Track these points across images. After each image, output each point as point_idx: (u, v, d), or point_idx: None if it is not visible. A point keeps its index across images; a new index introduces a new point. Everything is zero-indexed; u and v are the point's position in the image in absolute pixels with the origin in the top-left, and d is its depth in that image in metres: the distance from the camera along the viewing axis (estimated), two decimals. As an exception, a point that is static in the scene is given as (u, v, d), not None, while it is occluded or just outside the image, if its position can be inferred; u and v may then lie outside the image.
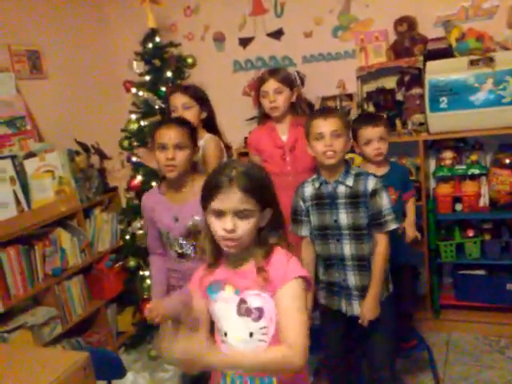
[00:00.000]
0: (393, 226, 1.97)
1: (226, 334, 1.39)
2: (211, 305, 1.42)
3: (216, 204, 1.30)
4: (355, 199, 1.95)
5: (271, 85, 2.43)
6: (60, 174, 2.90)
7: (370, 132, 2.31)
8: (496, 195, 2.77)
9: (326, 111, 2.06)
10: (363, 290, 2.01)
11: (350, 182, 1.96)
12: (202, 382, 1.67)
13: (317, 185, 2.03)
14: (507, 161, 2.76)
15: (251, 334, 1.34)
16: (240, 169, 1.32)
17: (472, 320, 2.99)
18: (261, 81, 2.49)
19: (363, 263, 2.00)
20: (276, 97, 2.43)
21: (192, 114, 2.40)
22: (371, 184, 1.95)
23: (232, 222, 1.29)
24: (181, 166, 1.99)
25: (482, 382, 2.54)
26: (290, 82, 2.50)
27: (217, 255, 1.42)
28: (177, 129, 1.99)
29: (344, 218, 1.97)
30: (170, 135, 1.97)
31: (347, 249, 1.99)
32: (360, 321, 1.99)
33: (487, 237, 2.90)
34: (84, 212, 3.12)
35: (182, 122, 2.06)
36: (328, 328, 2.20)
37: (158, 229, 2.10)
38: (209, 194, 1.33)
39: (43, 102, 3.14)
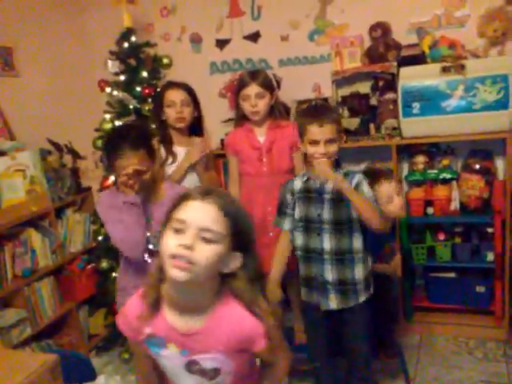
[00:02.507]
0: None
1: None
2: (154, 356, 1.23)
3: (178, 213, 1.09)
4: (341, 195, 1.99)
5: (253, 89, 2.45)
6: (31, 173, 2.84)
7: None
8: (466, 199, 2.82)
9: (321, 116, 1.98)
10: (339, 285, 2.06)
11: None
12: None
13: (305, 179, 2.10)
14: (477, 166, 2.82)
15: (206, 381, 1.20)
16: (218, 190, 1.16)
17: (443, 322, 3.04)
18: (241, 84, 2.49)
19: (341, 257, 2.05)
20: (257, 101, 2.45)
21: (189, 111, 2.51)
22: (355, 179, 2.02)
23: (192, 238, 1.06)
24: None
25: (452, 383, 2.59)
26: (270, 86, 2.52)
27: (158, 303, 1.18)
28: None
29: (327, 212, 2.04)
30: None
31: (327, 242, 2.05)
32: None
33: (458, 240, 2.96)
34: (56, 212, 3.07)
35: (136, 146, 1.96)
36: (311, 324, 2.24)
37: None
38: (176, 204, 1.13)
39: (15, 99, 3.08)
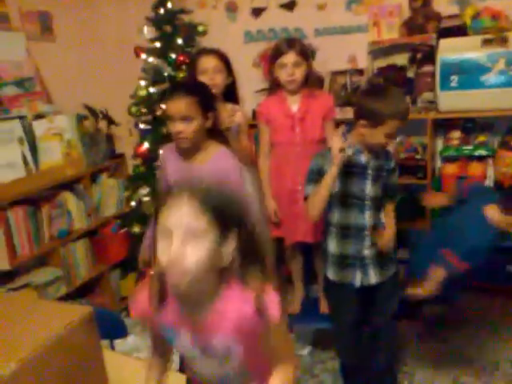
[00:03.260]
0: (399, 197, 2.24)
1: (193, 368, 1.28)
2: (168, 340, 1.25)
3: (163, 220, 1.07)
4: (380, 172, 2.06)
5: (290, 57, 2.41)
6: (68, 137, 2.91)
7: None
8: (501, 177, 2.77)
9: (406, 113, 1.97)
10: (378, 257, 2.09)
11: (381, 156, 2.07)
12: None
13: (349, 152, 2.01)
14: (515, 143, 2.76)
15: (221, 363, 1.21)
16: (197, 183, 1.11)
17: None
18: (278, 52, 2.45)
19: (377, 233, 2.08)
20: (294, 70, 2.42)
21: (221, 78, 2.45)
22: (393, 161, 2.12)
23: (180, 247, 1.04)
24: (190, 137, 2.00)
25: (476, 359, 2.58)
26: (307, 55, 2.49)
27: (163, 294, 1.16)
28: (185, 99, 1.96)
29: (370, 188, 2.05)
30: (176, 108, 1.96)
31: (369, 218, 2.06)
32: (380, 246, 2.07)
33: (490, 218, 2.91)
34: (91, 177, 3.14)
35: (190, 90, 2.03)
36: (341, 303, 2.22)
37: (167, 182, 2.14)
38: (159, 208, 1.11)
39: (53, 64, 3.13)
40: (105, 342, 1.91)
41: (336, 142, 1.92)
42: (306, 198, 2.06)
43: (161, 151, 2.24)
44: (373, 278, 2.10)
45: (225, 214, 1.08)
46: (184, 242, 1.04)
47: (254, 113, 3.23)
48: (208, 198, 1.07)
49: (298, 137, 2.49)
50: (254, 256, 1.13)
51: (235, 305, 1.12)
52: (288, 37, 2.74)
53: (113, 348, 2.02)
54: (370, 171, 2.04)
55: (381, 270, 2.11)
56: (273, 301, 1.12)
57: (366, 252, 2.08)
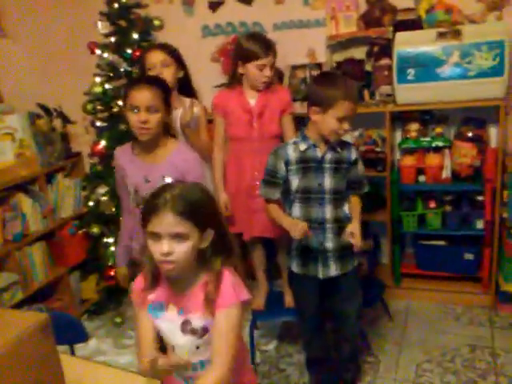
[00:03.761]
0: (367, 188, 2.20)
1: (173, 348, 1.45)
2: (155, 321, 1.45)
3: (152, 227, 1.32)
4: (339, 165, 2.06)
5: (269, 61, 2.38)
6: (20, 136, 2.80)
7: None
8: (458, 168, 2.83)
9: (355, 94, 1.99)
10: (340, 250, 2.09)
11: (338, 148, 2.06)
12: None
13: (302, 148, 2.04)
14: (470, 134, 2.81)
15: (197, 347, 1.42)
16: (175, 192, 1.33)
17: (430, 288, 3.09)
18: (255, 55, 2.35)
19: (340, 225, 2.07)
20: (269, 71, 2.40)
21: (170, 72, 2.39)
22: (354, 153, 2.11)
23: (168, 244, 1.30)
24: (154, 128, 1.97)
25: (437, 347, 2.65)
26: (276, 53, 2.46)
27: (156, 275, 1.43)
28: (150, 90, 1.94)
29: (328, 182, 2.05)
30: (142, 97, 1.93)
31: (329, 212, 2.06)
32: (353, 242, 1.98)
33: (448, 208, 2.97)
34: (46, 177, 3.04)
35: (154, 82, 2.01)
36: (305, 295, 2.24)
37: (127, 186, 2.10)
38: (146, 217, 1.34)
39: (3, 62, 3.00)
40: (65, 348, 1.85)
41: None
42: (267, 201, 2.13)
43: (115, 153, 2.16)
44: (333, 270, 2.11)
45: (202, 218, 1.34)
46: (171, 243, 1.31)
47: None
48: (188, 207, 1.31)
49: (256, 132, 2.46)
50: (223, 247, 1.41)
51: (223, 286, 1.36)
52: (256, 33, 2.56)
53: (73, 353, 1.96)
54: (327, 164, 2.04)
55: (342, 262, 2.12)
56: (229, 283, 1.36)
57: (328, 245, 2.08)
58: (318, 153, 2.04)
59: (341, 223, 2.08)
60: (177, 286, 1.41)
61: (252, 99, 2.46)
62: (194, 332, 1.39)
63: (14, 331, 1.09)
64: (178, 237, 1.31)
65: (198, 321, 1.38)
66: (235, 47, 2.52)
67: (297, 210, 2.10)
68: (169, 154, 2.03)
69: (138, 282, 1.48)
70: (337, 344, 2.34)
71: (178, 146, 2.08)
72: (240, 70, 2.43)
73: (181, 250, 1.31)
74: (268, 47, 2.39)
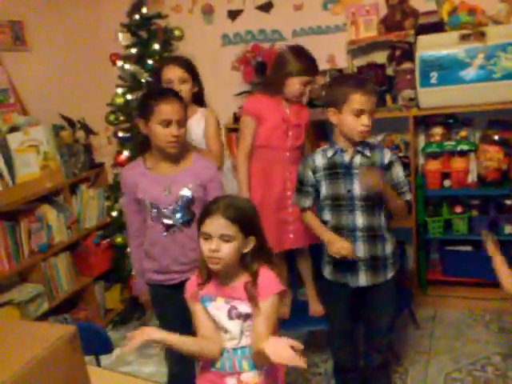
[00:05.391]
0: (408, 197, 2.05)
1: (225, 331, 1.62)
2: (206, 309, 1.65)
3: (204, 227, 1.55)
4: (371, 170, 1.95)
5: (315, 78, 2.49)
6: (45, 149, 2.84)
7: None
8: (484, 171, 2.77)
9: (367, 84, 1.91)
10: (371, 260, 2.02)
11: (368, 152, 1.98)
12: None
13: (329, 154, 2.00)
14: (496, 137, 2.76)
15: (241, 332, 1.60)
16: (227, 200, 1.57)
17: (458, 295, 3.02)
18: (305, 71, 2.34)
19: (373, 234, 2.00)
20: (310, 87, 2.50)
21: (187, 88, 2.34)
22: (387, 156, 2.00)
23: (216, 243, 1.52)
24: (183, 140, 1.99)
25: (466, 355, 2.58)
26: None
27: (208, 274, 1.64)
28: (180, 104, 1.96)
29: (358, 188, 1.96)
30: (174, 111, 1.93)
31: (359, 219, 1.99)
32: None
33: (474, 213, 2.92)
34: (70, 188, 3.08)
35: (179, 96, 2.01)
36: (335, 302, 2.20)
37: (142, 202, 2.02)
38: (201, 219, 1.57)
39: (27, 74, 3.06)
40: (90, 358, 1.85)
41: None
42: (301, 209, 2.13)
43: (122, 174, 2.12)
44: (363, 280, 2.05)
45: (247, 225, 1.56)
46: (219, 242, 1.52)
47: (235, 116, 3.20)
48: (236, 214, 1.53)
49: (290, 142, 2.43)
50: (262, 255, 1.61)
51: (261, 280, 1.57)
52: (303, 49, 2.42)
53: (99, 364, 1.96)
54: (355, 170, 1.97)
55: (373, 273, 2.05)
56: (268, 277, 1.57)
57: (358, 254, 2.01)
58: (346, 157, 1.98)
59: (374, 232, 2.00)
60: (224, 280, 1.61)
61: (287, 109, 2.45)
62: (239, 316, 1.58)
63: (44, 344, 1.09)
64: (225, 237, 1.52)
65: (242, 307, 1.58)
66: (280, 58, 2.43)
67: (327, 217, 2.05)
68: (188, 163, 2.03)
69: (192, 282, 1.68)
70: (366, 353, 2.28)
71: (194, 154, 2.08)
72: (283, 82, 2.37)
73: (226, 249, 1.52)
74: (316, 66, 2.41)
